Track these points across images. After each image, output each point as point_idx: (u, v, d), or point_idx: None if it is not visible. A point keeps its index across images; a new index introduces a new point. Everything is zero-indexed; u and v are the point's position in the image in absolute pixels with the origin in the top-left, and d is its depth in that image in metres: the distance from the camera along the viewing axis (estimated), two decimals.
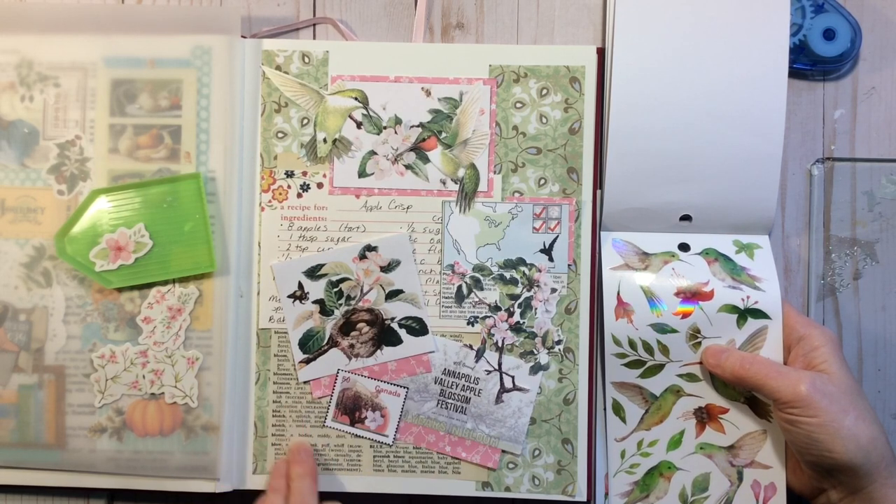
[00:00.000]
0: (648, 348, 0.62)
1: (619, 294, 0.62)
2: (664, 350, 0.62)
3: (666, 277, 0.62)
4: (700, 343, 0.62)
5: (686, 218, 0.63)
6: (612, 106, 0.61)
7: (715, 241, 0.63)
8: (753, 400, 0.62)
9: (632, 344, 0.62)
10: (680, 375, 0.62)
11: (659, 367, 0.62)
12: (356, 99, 0.64)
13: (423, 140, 0.64)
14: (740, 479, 0.62)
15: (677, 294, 0.62)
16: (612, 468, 0.62)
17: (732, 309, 0.61)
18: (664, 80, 0.61)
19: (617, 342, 0.62)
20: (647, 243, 0.63)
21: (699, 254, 0.63)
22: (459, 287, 0.63)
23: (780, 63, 0.61)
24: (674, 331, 0.62)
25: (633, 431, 0.62)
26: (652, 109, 0.61)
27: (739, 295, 0.61)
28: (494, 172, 0.63)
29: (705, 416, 0.62)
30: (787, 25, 0.61)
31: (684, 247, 0.63)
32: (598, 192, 0.63)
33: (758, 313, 0.61)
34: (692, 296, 0.62)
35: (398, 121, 0.64)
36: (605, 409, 0.63)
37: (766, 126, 0.61)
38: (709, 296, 0.62)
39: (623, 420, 0.62)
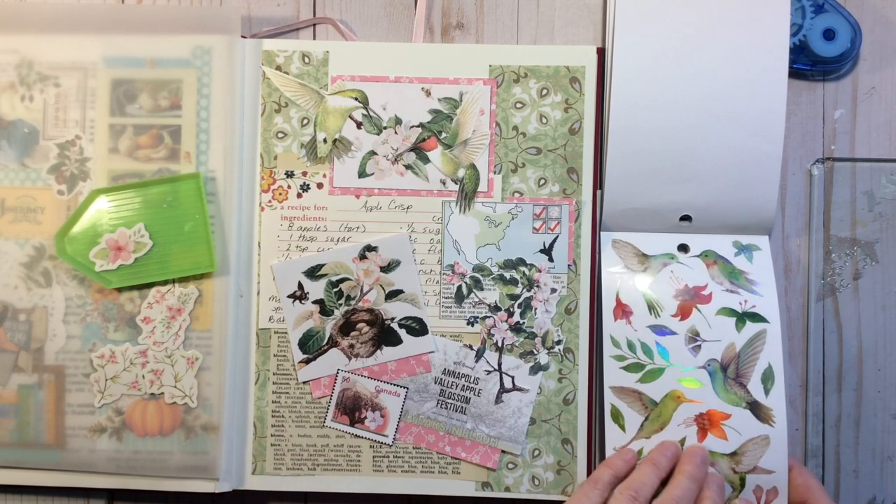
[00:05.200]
0: (647, 351, 0.62)
1: (617, 296, 0.62)
2: (663, 353, 0.62)
3: (665, 280, 0.62)
4: (700, 346, 0.61)
5: (686, 218, 0.63)
6: (612, 106, 0.61)
7: (714, 241, 0.63)
8: (755, 405, 0.61)
9: (630, 346, 0.62)
10: (681, 381, 0.62)
11: (659, 372, 0.61)
12: (356, 99, 0.64)
13: (423, 140, 0.64)
14: (743, 485, 0.61)
15: (675, 297, 0.62)
16: None
17: (730, 312, 0.61)
18: (664, 79, 0.61)
19: (616, 343, 0.62)
20: (647, 244, 0.63)
21: (698, 256, 0.63)
22: (459, 287, 0.63)
23: (781, 62, 0.61)
24: (672, 333, 0.62)
25: (632, 440, 0.61)
26: (652, 109, 0.61)
27: (737, 299, 0.62)
28: (494, 172, 0.63)
29: (707, 423, 0.61)
30: (788, 25, 0.61)
31: (684, 248, 0.63)
32: (599, 192, 0.63)
33: (756, 317, 0.61)
34: (690, 299, 0.62)
35: (398, 121, 0.63)
36: (601, 415, 0.62)
37: (767, 126, 0.61)
38: (706, 299, 0.62)
39: (622, 427, 0.61)
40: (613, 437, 0.61)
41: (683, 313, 0.62)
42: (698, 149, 0.61)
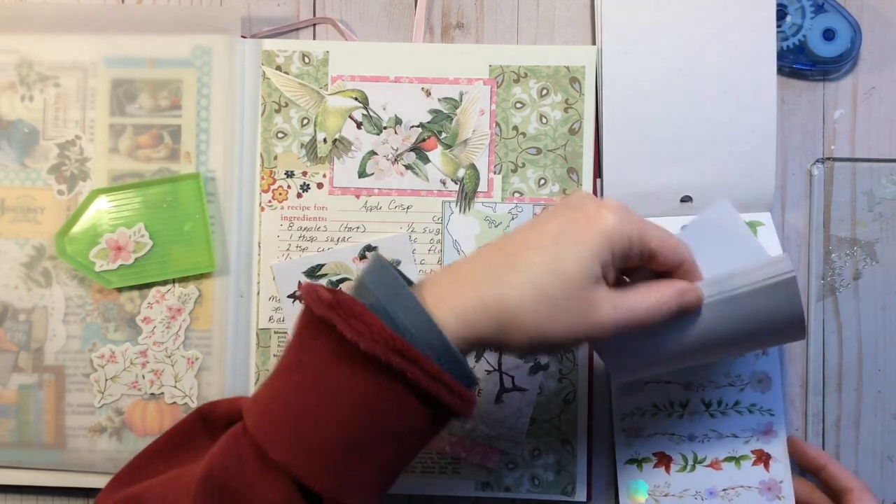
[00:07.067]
0: None
1: None
2: None
3: None
4: None
5: (687, 199, 0.63)
6: (605, 90, 0.62)
7: None
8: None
9: None
10: None
11: None
12: (356, 99, 0.64)
13: (423, 140, 0.64)
14: None
15: None
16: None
17: None
18: (655, 61, 0.61)
19: None
20: None
21: None
22: None
23: (768, 35, 0.61)
24: None
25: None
26: (645, 92, 0.61)
27: None
28: (494, 172, 0.63)
29: None
30: (774, 1, 0.61)
31: None
32: (598, 180, 0.63)
33: None
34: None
35: (398, 121, 0.63)
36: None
37: (758, 100, 0.61)
38: None
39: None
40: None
41: None
42: (693, 129, 0.61)
